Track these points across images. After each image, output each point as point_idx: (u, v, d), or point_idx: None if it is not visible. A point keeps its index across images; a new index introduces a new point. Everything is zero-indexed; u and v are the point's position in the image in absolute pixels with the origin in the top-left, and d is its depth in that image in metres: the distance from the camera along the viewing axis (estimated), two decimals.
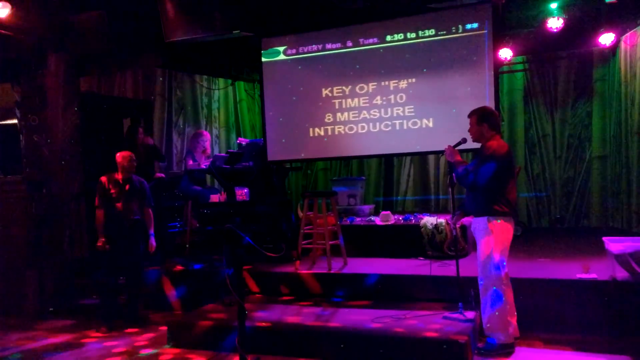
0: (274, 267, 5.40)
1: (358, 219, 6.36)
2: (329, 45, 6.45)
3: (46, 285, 5.59)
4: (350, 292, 4.88)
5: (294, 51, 6.61)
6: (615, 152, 7.10)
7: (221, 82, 8.45)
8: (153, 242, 5.03)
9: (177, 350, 4.29)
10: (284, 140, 6.63)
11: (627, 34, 6.62)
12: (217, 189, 6.63)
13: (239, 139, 7.41)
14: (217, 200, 5.87)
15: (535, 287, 4.31)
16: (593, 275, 4.28)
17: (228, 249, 3.56)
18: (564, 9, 5.76)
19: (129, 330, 4.88)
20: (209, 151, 6.60)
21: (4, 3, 5.01)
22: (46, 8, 5.56)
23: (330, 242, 5.24)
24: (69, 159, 5.75)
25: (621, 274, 4.11)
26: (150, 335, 4.72)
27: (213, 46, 6.65)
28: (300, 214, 5.62)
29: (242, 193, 5.69)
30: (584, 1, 5.65)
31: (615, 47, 6.91)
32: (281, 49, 6.67)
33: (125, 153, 4.96)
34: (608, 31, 6.25)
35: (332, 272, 5.10)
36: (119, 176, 4.93)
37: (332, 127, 6.46)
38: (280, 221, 5.97)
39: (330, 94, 6.47)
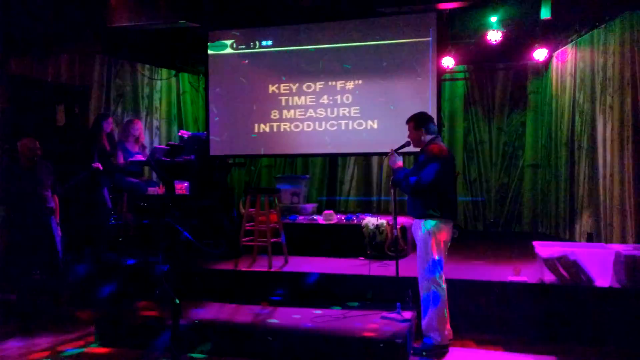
0: (212, 264, 5.27)
1: (301, 217, 6.35)
2: (277, 42, 6.40)
3: None
4: (291, 291, 4.84)
5: (241, 46, 6.50)
6: (546, 161, 7.52)
7: (164, 72, 8.15)
8: (59, 231, 4.78)
9: (105, 350, 4.08)
10: (227, 135, 6.50)
11: (559, 51, 7.03)
12: (155, 182, 6.38)
13: (181, 131, 7.18)
14: (155, 193, 5.64)
15: (469, 288, 4.44)
16: (524, 278, 4.46)
17: (165, 243, 3.42)
18: (504, 23, 6.03)
19: (52, 328, 4.57)
20: (142, 139, 6.33)
21: None
22: None
23: (272, 240, 5.19)
24: None
25: (549, 277, 4.31)
26: (76, 334, 4.45)
27: (157, 35, 6.41)
28: (243, 210, 5.52)
29: (181, 187, 5.51)
30: (521, 17, 5.93)
31: (548, 62, 7.31)
32: (228, 42, 6.53)
33: (26, 139, 4.68)
34: (542, 47, 6.60)
35: (272, 270, 5.04)
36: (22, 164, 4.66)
37: (278, 123, 6.41)
38: (221, 217, 5.83)
39: (277, 91, 6.42)
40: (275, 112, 6.40)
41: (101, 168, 5.63)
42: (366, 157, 7.92)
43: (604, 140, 5.69)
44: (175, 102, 8.43)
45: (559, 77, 7.14)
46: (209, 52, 6.56)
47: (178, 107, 8.47)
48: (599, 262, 4.19)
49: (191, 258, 5.28)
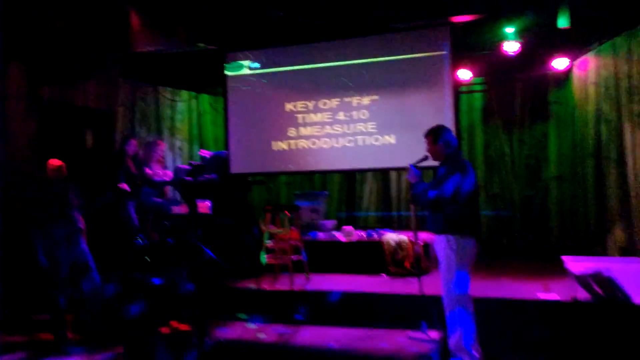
0: (235, 282, 5.28)
1: (321, 234, 6.32)
2: (293, 61, 6.48)
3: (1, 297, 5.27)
4: (313, 310, 4.80)
5: (258, 66, 6.60)
6: (572, 173, 7.32)
7: (185, 94, 8.32)
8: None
9: None
10: (246, 154, 6.57)
11: (580, 59, 6.91)
12: (179, 202, 6.46)
13: (202, 151, 7.28)
14: (179, 213, 5.71)
15: (497, 306, 4.30)
16: (554, 296, 4.30)
17: (190, 263, 3.44)
18: (520, 33, 5.97)
19: (83, 348, 4.62)
20: (165, 161, 6.44)
21: None
22: (9, 17, 5.36)
23: (293, 257, 5.17)
24: (27, 168, 5.53)
25: (582, 294, 4.14)
26: (105, 354, 4.49)
27: (177, 58, 6.55)
28: (263, 227, 5.53)
29: (204, 206, 5.56)
30: (538, 27, 5.86)
31: (569, 71, 7.18)
32: (245, 63, 6.64)
33: (54, 162, 4.78)
34: (562, 56, 6.50)
35: (294, 288, 5.02)
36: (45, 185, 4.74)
37: (296, 141, 6.45)
38: (242, 234, 5.86)
39: (293, 109, 6.47)
40: (292, 130, 6.45)
41: (127, 189, 5.73)
42: (384, 172, 7.87)
43: (633, 149, 5.52)
44: (196, 123, 8.57)
45: (581, 87, 7.01)
46: (227, 73, 6.68)
47: (199, 127, 8.61)
48: (636, 278, 3.98)
49: (215, 276, 5.29)
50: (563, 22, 5.22)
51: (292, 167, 6.58)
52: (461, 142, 7.68)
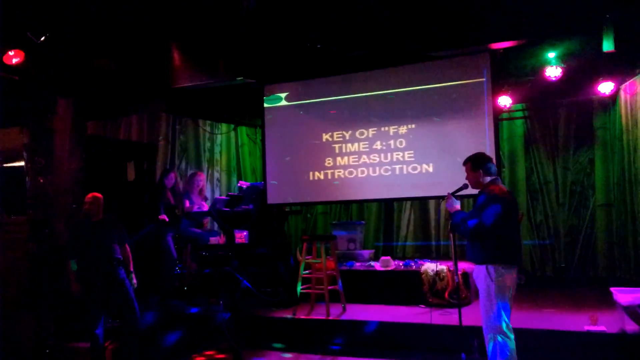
0: (271, 312, 5.27)
1: (357, 263, 6.27)
2: (329, 92, 6.58)
3: (43, 326, 5.47)
4: (349, 340, 4.74)
5: (295, 97, 6.74)
6: (620, 200, 7.02)
7: (224, 126, 8.59)
8: (134, 279, 4.86)
9: None
10: (283, 184, 6.65)
11: (627, 83, 6.70)
12: (217, 232, 6.58)
13: (240, 182, 7.43)
14: (216, 243, 5.81)
15: (541, 338, 4.17)
16: (601, 328, 4.14)
17: (225, 292, 3.48)
18: (562, 58, 5.85)
19: None
20: (205, 192, 6.60)
21: (17, 51, 5.19)
22: (57, 54, 5.74)
23: (329, 287, 5.14)
24: (73, 201, 5.78)
25: (631, 326, 3.97)
26: None
27: (217, 92, 6.80)
28: (300, 257, 5.54)
29: (241, 236, 5.64)
30: (582, 50, 5.73)
31: (615, 95, 6.97)
32: (283, 95, 6.80)
33: (90, 195, 4.90)
34: (607, 80, 6.32)
35: (330, 318, 4.97)
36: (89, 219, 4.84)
37: (332, 171, 6.49)
38: (278, 264, 5.89)
39: (330, 139, 6.54)
40: (329, 160, 6.51)
41: (167, 220, 5.89)
42: (422, 201, 7.77)
43: None
44: (235, 154, 8.80)
45: (628, 111, 6.77)
46: (265, 105, 6.86)
47: (237, 158, 8.83)
48: None
49: (251, 306, 5.32)
50: (608, 45, 5.08)
51: (328, 197, 6.59)
52: (502, 169, 7.55)
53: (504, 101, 6.76)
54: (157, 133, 7.44)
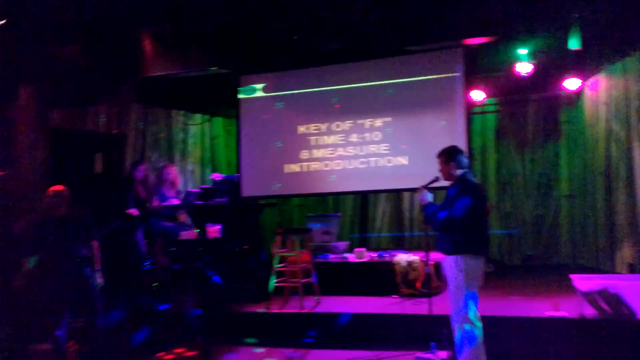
0: (244, 307, 5.28)
1: (332, 255, 6.32)
2: (306, 84, 6.55)
3: (1, 328, 5.28)
4: (323, 332, 4.79)
5: (271, 89, 6.70)
6: (583, 192, 7.30)
7: (198, 117, 8.45)
8: (100, 278, 4.56)
9: None
10: (258, 176, 6.62)
11: (591, 80, 6.92)
12: (190, 226, 6.52)
13: (213, 174, 7.36)
14: (187, 238, 5.75)
15: (506, 325, 4.30)
16: (563, 313, 4.31)
17: (196, 288, 3.47)
18: (533, 55, 6.00)
19: None
20: (178, 183, 6.50)
21: None
22: (20, 41, 5.53)
23: (303, 280, 5.18)
24: (36, 195, 5.59)
25: (589, 311, 4.15)
26: None
27: (190, 82, 6.70)
28: (274, 251, 5.56)
29: (214, 230, 5.61)
30: (550, 48, 5.90)
31: (580, 91, 7.20)
32: (259, 86, 6.75)
33: (52, 188, 4.55)
34: (573, 76, 6.51)
35: (304, 311, 5.01)
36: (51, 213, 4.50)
37: (308, 163, 6.50)
38: (250, 259, 5.88)
39: (306, 131, 6.54)
40: (305, 152, 6.51)
41: (136, 214, 5.79)
42: (397, 193, 7.88)
43: None
44: (209, 146, 8.69)
45: (592, 107, 7.01)
46: (240, 96, 6.79)
47: (211, 150, 8.73)
48: None
49: (223, 302, 5.30)
50: (574, 43, 5.25)
51: (304, 190, 6.60)
52: (474, 162, 7.71)
53: (477, 96, 6.88)
54: (127, 123, 7.27)
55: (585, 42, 5.21)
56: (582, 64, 6.46)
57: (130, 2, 5.26)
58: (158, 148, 7.70)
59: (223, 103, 7.98)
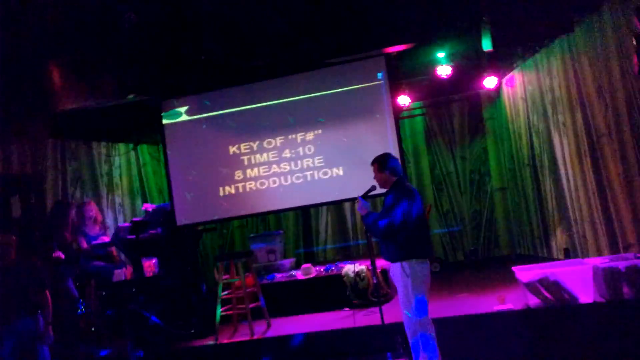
0: (189, 343, 4.98)
1: (279, 275, 6.17)
2: (232, 103, 6.42)
3: None
4: (277, 356, 4.61)
5: (196, 111, 6.50)
6: (513, 183, 7.62)
7: (122, 147, 8.01)
8: (50, 332, 4.25)
9: None
10: (193, 202, 6.37)
11: (507, 77, 7.28)
12: (124, 262, 6.11)
13: (144, 205, 6.99)
14: (122, 276, 5.37)
15: (457, 324, 4.33)
16: (509, 306, 4.40)
17: (132, 332, 3.20)
18: (451, 57, 6.22)
19: None
20: (100, 219, 6.09)
21: None
22: None
23: (251, 305, 4.98)
24: None
25: (534, 301, 4.26)
26: None
27: (109, 111, 6.33)
28: (217, 278, 5.32)
29: (150, 264, 5.28)
30: (467, 50, 6.14)
31: (499, 88, 7.55)
32: (183, 109, 6.52)
33: None
34: (491, 75, 6.79)
35: (254, 337, 4.82)
36: None
37: (243, 184, 6.33)
38: (189, 294, 5.59)
39: (237, 151, 6.39)
40: (239, 173, 6.35)
41: (62, 257, 5.35)
42: (338, 204, 7.86)
43: (563, 156, 5.81)
44: (137, 176, 8.25)
45: (511, 102, 7.36)
46: (164, 121, 6.53)
47: (140, 180, 8.29)
48: (580, 279, 4.18)
49: (166, 341, 4.97)
50: (487, 44, 5.48)
51: (243, 211, 6.42)
52: (408, 166, 7.87)
53: (403, 100, 7.02)
54: (44, 161, 6.74)
55: (497, 42, 5.45)
56: (497, 63, 6.77)
57: (36, 34, 4.91)
58: (81, 184, 7.19)
59: (147, 130, 7.63)
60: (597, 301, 4.12)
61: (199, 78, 6.22)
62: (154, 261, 5.38)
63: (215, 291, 5.11)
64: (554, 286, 4.15)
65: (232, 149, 6.39)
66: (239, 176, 6.33)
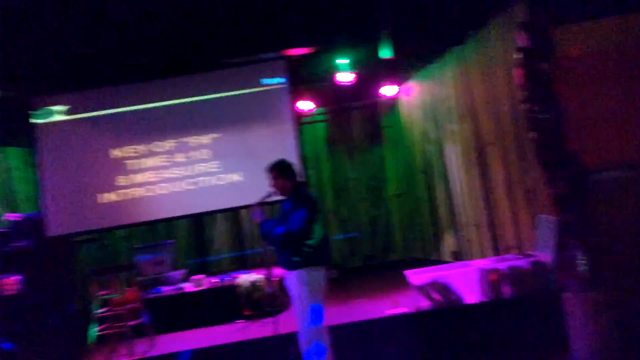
0: None
1: (166, 288, 5.75)
2: (118, 103, 5.94)
3: None
4: None
5: (74, 110, 5.92)
6: (408, 190, 7.86)
7: None
8: None
9: None
10: (67, 211, 5.74)
11: (404, 86, 7.51)
12: None
13: (6, 215, 6.15)
14: None
15: (352, 331, 4.29)
16: (402, 309, 4.44)
17: None
18: (351, 64, 6.26)
19: None
20: None
21: None
22: None
23: (132, 322, 4.54)
24: None
25: (424, 303, 4.34)
26: None
27: None
28: (93, 294, 4.77)
29: (10, 282, 4.60)
30: (367, 58, 6.21)
31: (396, 97, 7.76)
32: (58, 108, 5.88)
33: None
34: (389, 84, 6.96)
35: (135, 358, 4.38)
36: None
37: (127, 190, 5.84)
38: (53, 313, 4.97)
39: (121, 155, 5.89)
40: (121, 179, 5.84)
41: None
42: (234, 211, 7.55)
43: (453, 164, 6.06)
44: (2, 182, 7.25)
45: (407, 111, 7.60)
46: (35, 121, 5.83)
47: (6, 187, 7.28)
48: (466, 281, 4.34)
49: None
50: (385, 53, 5.56)
51: (126, 220, 5.89)
52: (309, 171, 7.80)
53: (305, 106, 6.95)
54: None
55: (395, 51, 5.56)
56: (396, 72, 6.96)
57: None
58: None
59: (15, 130, 6.74)
60: (481, 301, 4.28)
61: (79, 74, 5.64)
62: (16, 279, 4.69)
63: (84, 313, 4.57)
64: (443, 288, 4.28)
65: (115, 153, 5.87)
66: (122, 182, 5.83)
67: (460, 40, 5.48)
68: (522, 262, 4.19)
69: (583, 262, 3.60)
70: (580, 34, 4.09)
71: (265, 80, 6.00)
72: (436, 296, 4.28)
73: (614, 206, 3.86)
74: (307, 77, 6.81)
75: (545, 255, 4.14)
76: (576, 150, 3.75)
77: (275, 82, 6.02)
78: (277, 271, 5.15)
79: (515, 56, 3.92)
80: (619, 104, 4.07)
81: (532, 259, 4.21)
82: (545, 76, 3.78)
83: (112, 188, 5.81)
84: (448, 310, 4.27)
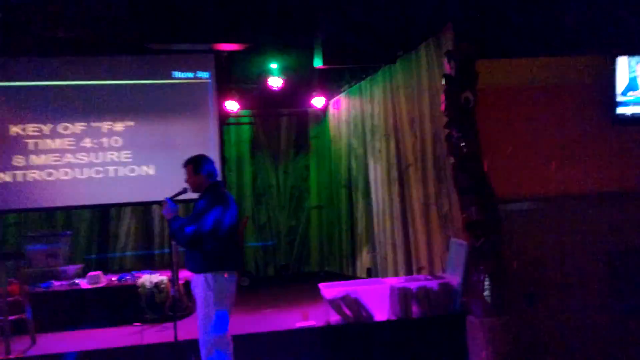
0: None
1: (58, 282, 5.26)
2: (22, 76, 5.40)
3: None
4: None
5: None
6: (329, 203, 7.87)
7: None
8: None
9: None
10: None
11: (335, 99, 7.55)
12: None
13: None
14: None
15: (258, 342, 4.14)
16: (311, 322, 4.38)
17: None
18: (283, 70, 6.17)
19: None
20: None
21: None
22: None
23: (12, 317, 4.10)
24: None
25: (334, 317, 4.29)
26: None
27: None
28: None
29: None
30: (299, 65, 6.16)
31: (326, 109, 7.79)
32: None
33: None
34: (320, 94, 6.98)
35: (11, 356, 3.93)
36: None
37: (24, 172, 5.33)
38: None
39: (21, 132, 5.38)
40: (19, 158, 5.30)
41: None
42: (145, 206, 7.11)
43: (375, 181, 6.15)
44: None
45: (335, 124, 7.64)
46: None
47: None
48: (377, 298, 4.34)
49: None
50: (318, 61, 5.54)
51: (19, 204, 5.33)
52: (229, 174, 7.57)
53: (232, 106, 6.80)
54: None
55: (326, 62, 5.54)
56: (326, 84, 6.99)
57: None
58: None
59: None
60: (390, 319, 4.31)
61: None
62: None
63: None
64: (354, 304, 4.25)
65: (14, 129, 5.36)
66: (18, 162, 5.31)
67: (392, 59, 5.58)
68: (432, 283, 4.27)
69: (488, 287, 3.73)
70: (504, 68, 4.33)
71: (187, 74, 5.76)
72: (347, 311, 4.25)
73: (521, 235, 4.09)
74: (238, 78, 6.66)
75: (455, 278, 4.25)
76: (490, 179, 3.90)
77: (200, 76, 5.79)
78: (186, 274, 4.89)
79: (441, 82, 4.04)
80: (531, 139, 4.35)
81: (441, 280, 4.31)
82: (468, 105, 3.92)
83: (8, 168, 5.25)
84: (357, 326, 4.24)
